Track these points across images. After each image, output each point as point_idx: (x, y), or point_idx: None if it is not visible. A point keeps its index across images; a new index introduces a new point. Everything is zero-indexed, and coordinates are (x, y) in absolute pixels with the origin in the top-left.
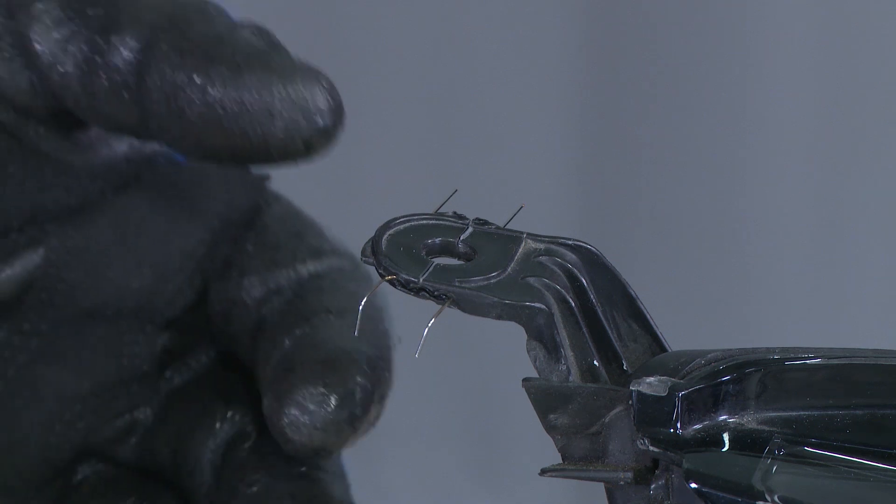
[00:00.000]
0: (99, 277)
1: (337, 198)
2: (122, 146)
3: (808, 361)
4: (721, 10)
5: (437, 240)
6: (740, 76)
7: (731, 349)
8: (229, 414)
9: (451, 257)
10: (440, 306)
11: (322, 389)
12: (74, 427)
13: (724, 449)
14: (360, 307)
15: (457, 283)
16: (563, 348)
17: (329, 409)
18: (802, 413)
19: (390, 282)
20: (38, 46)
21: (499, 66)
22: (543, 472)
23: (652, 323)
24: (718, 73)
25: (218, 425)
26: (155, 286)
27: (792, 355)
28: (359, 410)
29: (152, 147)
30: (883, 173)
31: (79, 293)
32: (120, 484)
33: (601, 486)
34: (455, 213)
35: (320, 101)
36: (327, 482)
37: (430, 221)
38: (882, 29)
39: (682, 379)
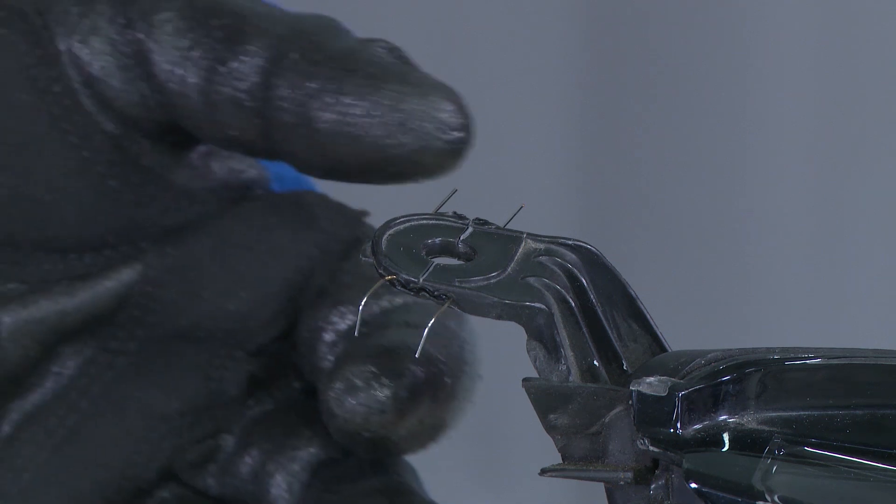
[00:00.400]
0: (195, 297)
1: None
2: (222, 170)
3: (808, 361)
4: (721, 9)
5: (437, 240)
6: (740, 76)
7: (731, 349)
8: (313, 439)
9: (451, 257)
10: (440, 306)
11: (371, 368)
12: (159, 447)
13: (724, 449)
14: (361, 307)
15: (457, 283)
16: (563, 348)
17: (375, 387)
18: (802, 413)
19: (390, 282)
20: (157, 56)
21: (498, 65)
22: (543, 472)
23: (652, 323)
24: (718, 74)
25: (301, 451)
26: (250, 310)
27: (792, 355)
28: (405, 394)
29: (251, 175)
30: (883, 173)
31: (173, 312)
32: None
33: (601, 486)
34: (455, 213)
35: (453, 117)
36: (410, 480)
37: (430, 221)
38: (882, 29)
39: (682, 379)
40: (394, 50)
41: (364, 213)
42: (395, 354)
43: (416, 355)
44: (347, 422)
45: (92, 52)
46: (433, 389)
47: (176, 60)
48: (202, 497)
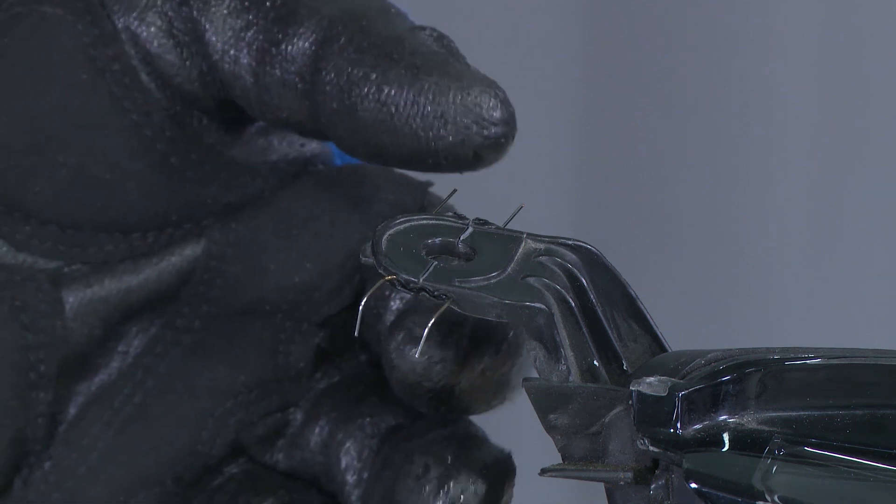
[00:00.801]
0: (260, 271)
1: None
2: (283, 145)
3: (808, 361)
4: (722, 9)
5: (437, 240)
6: (741, 76)
7: (731, 349)
8: (382, 407)
9: (451, 257)
10: (440, 306)
11: (433, 320)
12: (226, 423)
13: (724, 449)
14: (361, 307)
15: (457, 283)
16: (563, 348)
17: (435, 339)
18: (802, 413)
19: (390, 282)
20: (211, 36)
21: (498, 65)
22: (543, 472)
23: (652, 323)
24: (719, 74)
25: (370, 419)
26: (315, 282)
27: (792, 355)
28: (466, 343)
29: (312, 149)
30: (883, 173)
31: (238, 287)
32: (266, 482)
33: (601, 486)
34: (455, 213)
35: (494, 111)
36: (476, 428)
37: (430, 221)
38: (883, 29)
39: (682, 379)
40: (441, 38)
41: (428, 184)
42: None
43: (416, 355)
44: (408, 373)
45: (149, 30)
46: (496, 342)
47: (230, 41)
48: (271, 472)
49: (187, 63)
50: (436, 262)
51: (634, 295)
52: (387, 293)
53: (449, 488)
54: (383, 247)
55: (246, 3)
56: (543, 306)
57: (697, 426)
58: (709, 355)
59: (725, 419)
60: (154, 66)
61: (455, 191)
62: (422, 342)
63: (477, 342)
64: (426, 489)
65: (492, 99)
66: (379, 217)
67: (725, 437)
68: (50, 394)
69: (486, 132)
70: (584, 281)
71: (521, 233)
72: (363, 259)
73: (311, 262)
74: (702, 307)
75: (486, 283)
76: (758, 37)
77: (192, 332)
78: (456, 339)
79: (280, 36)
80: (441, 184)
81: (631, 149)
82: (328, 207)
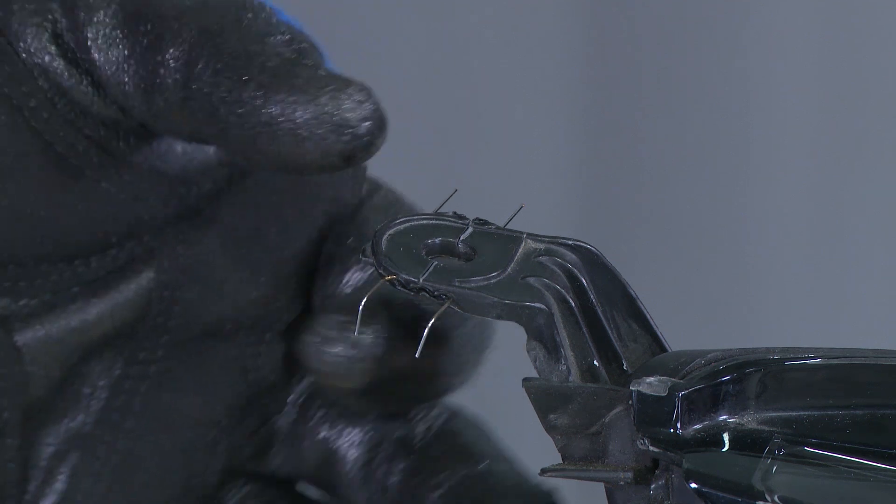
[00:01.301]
0: (215, 293)
1: None
2: (215, 151)
3: (808, 361)
4: (722, 9)
5: (437, 240)
6: (741, 76)
7: (731, 349)
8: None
9: (451, 257)
10: (440, 306)
11: (341, 317)
12: (214, 452)
13: (724, 449)
14: (361, 307)
15: (457, 283)
16: (563, 348)
17: (349, 333)
18: (802, 413)
19: (390, 282)
20: (101, 67)
21: (499, 65)
22: (543, 472)
23: (652, 323)
24: (719, 74)
25: (366, 416)
26: (272, 294)
27: (792, 355)
28: (384, 336)
29: None
30: (884, 173)
31: (196, 313)
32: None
33: (601, 485)
34: (455, 213)
35: (349, 113)
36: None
37: (430, 221)
38: (884, 28)
39: (682, 379)
40: (293, 40)
41: (364, 170)
42: (368, 303)
43: (417, 355)
44: (331, 375)
45: (56, 64)
46: (412, 333)
47: (116, 72)
48: (274, 483)
49: (98, 94)
50: (436, 262)
51: (634, 295)
52: (330, 290)
53: None
54: (383, 247)
55: (124, 31)
56: (543, 306)
57: (697, 426)
58: (709, 355)
59: (725, 419)
60: (69, 97)
61: (455, 191)
62: (421, 343)
63: (395, 334)
64: None
65: (345, 101)
66: (324, 216)
67: (725, 437)
68: (16, 440)
69: (344, 138)
70: (584, 281)
71: (521, 233)
72: (363, 259)
73: (265, 275)
74: (702, 307)
75: (486, 283)
76: (758, 37)
77: (156, 362)
78: (371, 334)
79: (152, 66)
80: (441, 184)
81: (631, 149)
82: (273, 218)
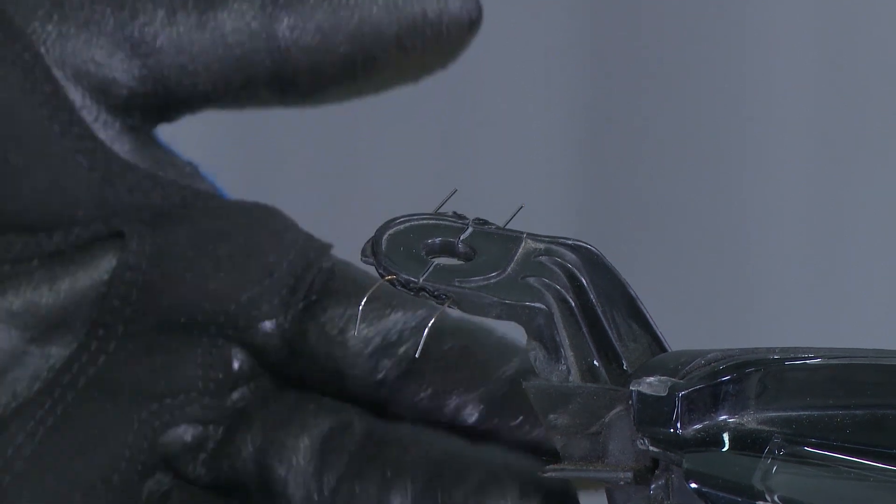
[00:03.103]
0: (176, 280)
1: (337, 198)
2: (175, 174)
3: (808, 361)
4: (722, 9)
5: (437, 240)
6: (741, 77)
7: (731, 349)
8: (319, 413)
9: (451, 257)
10: (440, 306)
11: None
12: (152, 426)
13: (724, 449)
14: (360, 307)
15: (457, 283)
16: (563, 348)
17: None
18: (802, 413)
19: (390, 282)
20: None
21: (499, 65)
22: (543, 472)
23: (652, 323)
24: (719, 74)
25: (312, 419)
26: (229, 293)
27: (792, 355)
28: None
29: (201, 187)
30: (884, 173)
31: (155, 297)
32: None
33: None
34: (455, 213)
35: None
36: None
37: (430, 221)
38: (884, 29)
39: (682, 379)
40: None
41: (328, 246)
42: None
43: (417, 355)
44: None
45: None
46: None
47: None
48: (199, 491)
49: (126, 66)
50: (436, 262)
51: (634, 295)
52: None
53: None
54: (383, 246)
55: None
56: (543, 306)
57: (697, 426)
58: (709, 355)
59: (725, 419)
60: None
61: (455, 191)
62: (422, 342)
63: None
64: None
65: None
66: (294, 243)
67: (725, 436)
68: None
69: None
70: (584, 281)
71: (521, 233)
72: (363, 259)
73: (226, 272)
74: (702, 307)
75: (485, 282)
76: (757, 37)
77: (113, 340)
78: None
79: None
80: (441, 184)
81: (631, 149)
82: (242, 228)
